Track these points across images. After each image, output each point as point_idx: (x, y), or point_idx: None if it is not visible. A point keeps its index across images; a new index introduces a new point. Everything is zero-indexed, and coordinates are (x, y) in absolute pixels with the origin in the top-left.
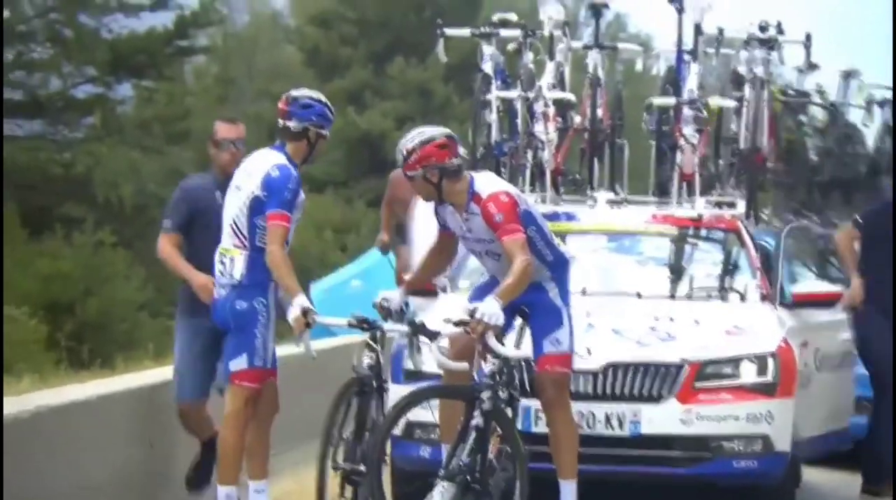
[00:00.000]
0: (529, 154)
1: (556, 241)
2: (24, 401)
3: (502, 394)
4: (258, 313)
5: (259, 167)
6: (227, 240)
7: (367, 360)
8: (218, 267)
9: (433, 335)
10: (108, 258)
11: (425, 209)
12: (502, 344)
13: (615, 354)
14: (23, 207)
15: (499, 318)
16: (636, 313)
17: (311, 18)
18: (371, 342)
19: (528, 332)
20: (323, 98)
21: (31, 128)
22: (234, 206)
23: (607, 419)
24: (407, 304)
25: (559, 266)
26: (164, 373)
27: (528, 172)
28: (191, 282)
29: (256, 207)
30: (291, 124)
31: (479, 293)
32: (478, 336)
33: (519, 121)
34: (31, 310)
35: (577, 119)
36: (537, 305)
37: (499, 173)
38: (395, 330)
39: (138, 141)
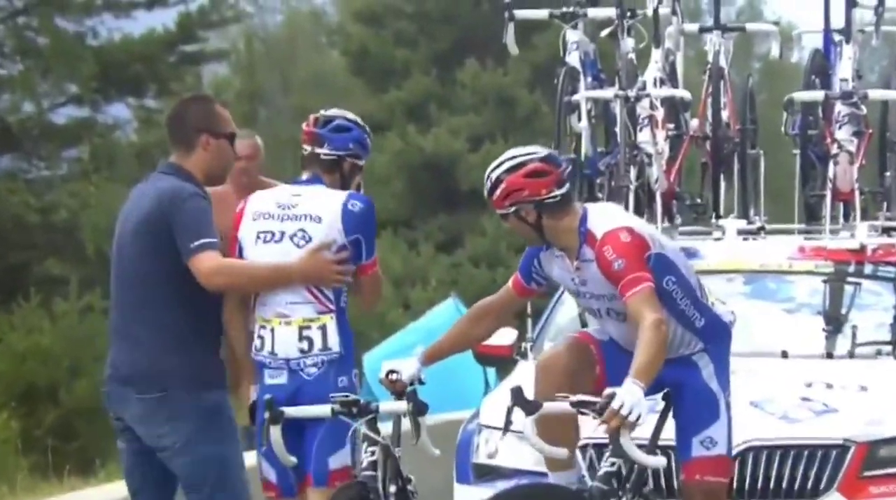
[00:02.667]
0: (633, 172)
1: (711, 298)
2: None
3: None
4: (356, 390)
5: (321, 207)
6: (305, 308)
7: (367, 456)
8: (297, 346)
9: (533, 408)
10: (98, 328)
11: None
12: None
13: (754, 434)
14: None
15: (641, 410)
16: (782, 379)
17: (357, 14)
18: (370, 433)
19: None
20: (360, 121)
21: None
22: None
23: None
24: (421, 379)
25: (715, 334)
26: None
27: (631, 197)
28: (238, 375)
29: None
30: (323, 152)
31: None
32: (611, 432)
33: (618, 128)
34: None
35: (695, 124)
36: (686, 388)
37: (593, 201)
38: (391, 410)
39: (136, 176)
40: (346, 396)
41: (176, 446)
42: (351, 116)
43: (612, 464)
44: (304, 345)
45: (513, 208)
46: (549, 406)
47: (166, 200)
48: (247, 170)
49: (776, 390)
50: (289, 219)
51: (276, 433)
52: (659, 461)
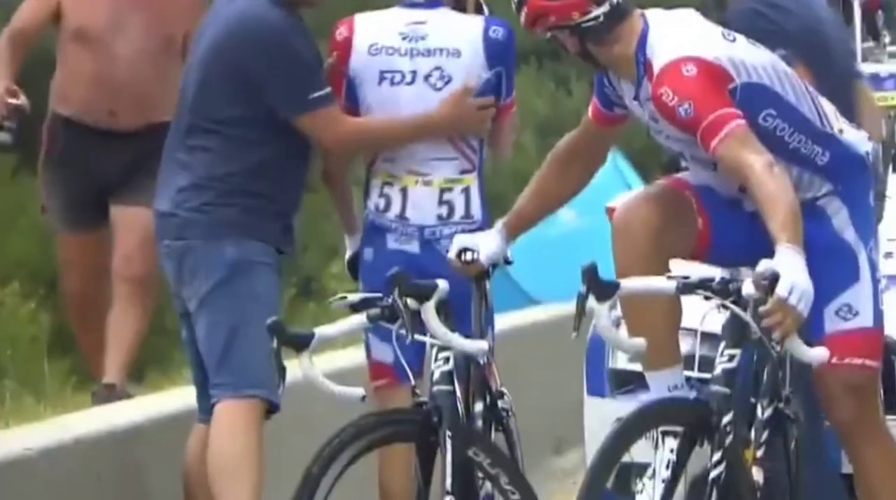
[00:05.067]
0: None
1: (838, 125)
2: None
3: (762, 412)
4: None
5: (457, 37)
6: (447, 166)
7: (439, 366)
8: (436, 212)
9: (607, 291)
10: None
11: None
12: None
13: None
14: None
15: (810, 296)
16: None
17: None
18: (427, 338)
19: None
20: None
21: None
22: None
23: None
24: (507, 258)
25: (847, 169)
26: None
27: None
28: None
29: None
30: None
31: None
32: (783, 333)
33: None
34: (23, 288)
35: None
36: (811, 244)
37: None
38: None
39: None
40: (371, 295)
41: (197, 302)
42: None
43: (731, 358)
44: (444, 211)
45: (548, 35)
46: (628, 286)
47: (239, 30)
48: None
49: None
50: (420, 54)
51: (306, 361)
52: (822, 353)
